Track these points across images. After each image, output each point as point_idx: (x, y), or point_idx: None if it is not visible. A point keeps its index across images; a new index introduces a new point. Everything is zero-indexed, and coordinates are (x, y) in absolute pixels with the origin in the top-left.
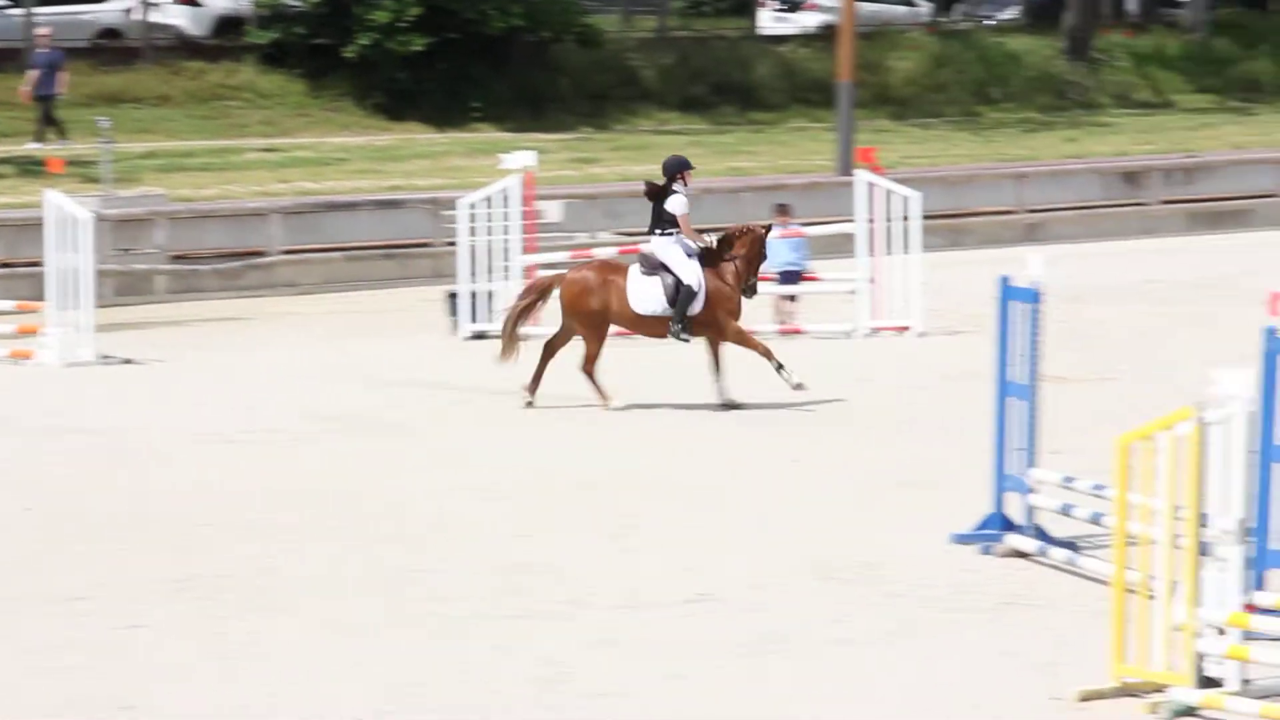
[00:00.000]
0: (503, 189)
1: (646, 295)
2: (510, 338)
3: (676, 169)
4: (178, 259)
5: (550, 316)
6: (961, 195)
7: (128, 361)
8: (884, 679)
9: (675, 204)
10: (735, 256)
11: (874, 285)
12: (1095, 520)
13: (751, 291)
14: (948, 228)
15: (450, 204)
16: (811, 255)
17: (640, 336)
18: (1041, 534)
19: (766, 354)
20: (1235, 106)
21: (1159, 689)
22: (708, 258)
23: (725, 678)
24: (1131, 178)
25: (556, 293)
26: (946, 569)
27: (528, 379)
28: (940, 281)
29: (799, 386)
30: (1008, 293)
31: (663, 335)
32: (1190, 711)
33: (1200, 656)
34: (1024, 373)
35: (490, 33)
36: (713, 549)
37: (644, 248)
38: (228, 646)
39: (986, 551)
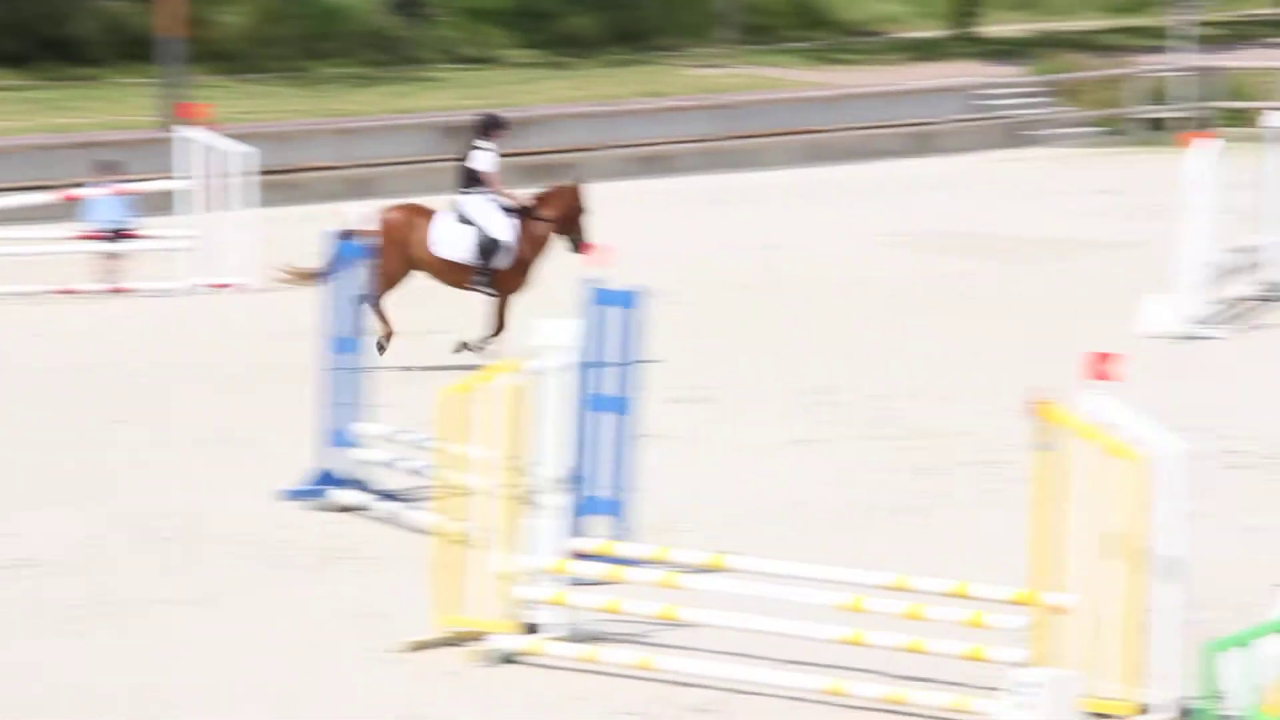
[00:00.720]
0: None
1: (452, 240)
2: (303, 275)
3: (488, 127)
4: None
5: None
6: (293, 150)
7: None
8: (211, 637)
9: (483, 161)
10: (546, 218)
11: (205, 242)
12: (422, 472)
13: (578, 249)
14: (280, 183)
15: None
16: (139, 212)
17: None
18: (369, 488)
19: (497, 328)
20: (557, 61)
21: (484, 637)
22: (520, 217)
23: (48, 643)
24: (460, 133)
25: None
26: (273, 525)
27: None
28: (272, 237)
29: (480, 349)
30: (339, 249)
31: (460, 284)
32: (513, 658)
33: (523, 604)
34: (349, 327)
35: None
36: (29, 510)
37: (455, 203)
38: None
39: (314, 507)
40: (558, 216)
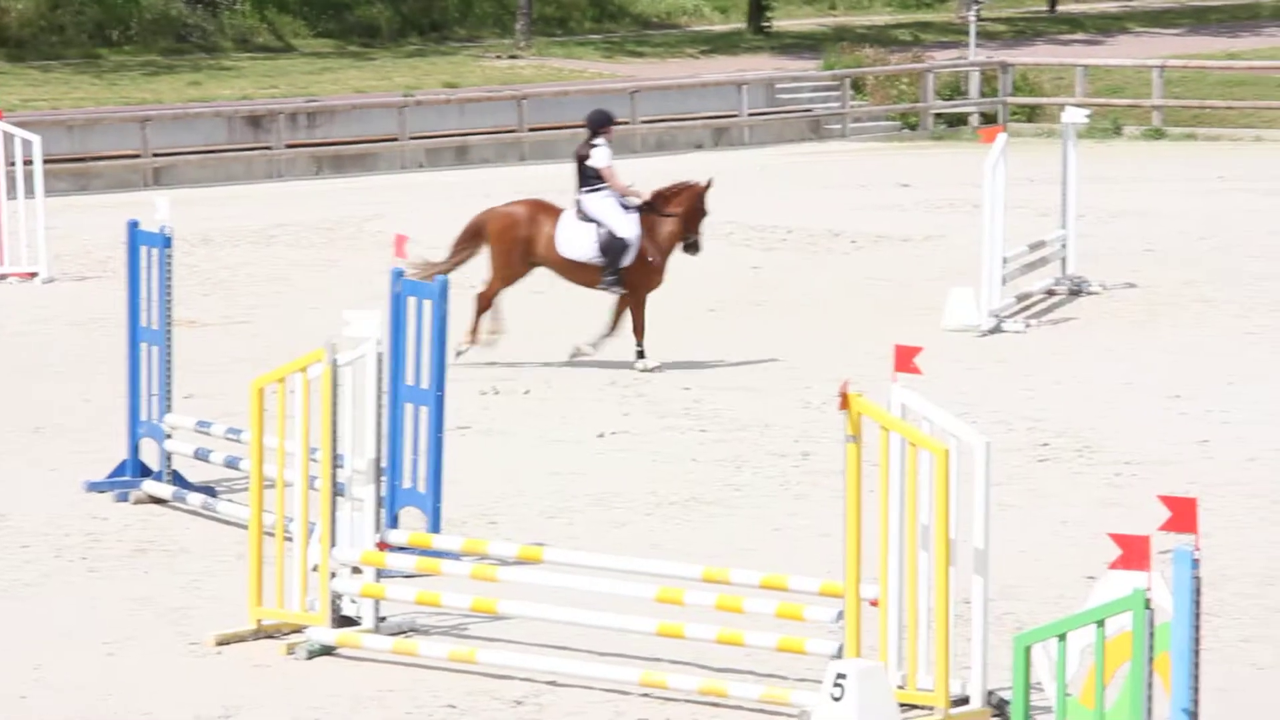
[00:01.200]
0: None
1: (577, 241)
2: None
3: (601, 123)
4: None
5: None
6: (86, 139)
7: None
8: (20, 631)
9: (600, 158)
10: (671, 214)
11: (3, 230)
12: (232, 464)
13: (695, 249)
14: (72, 172)
15: None
16: None
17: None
18: (178, 479)
19: (639, 334)
20: (354, 51)
21: (297, 629)
22: (643, 213)
23: None
24: (256, 121)
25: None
26: (80, 517)
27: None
28: (67, 226)
29: (655, 369)
30: (137, 237)
31: (590, 284)
32: (328, 650)
33: (337, 596)
34: (156, 318)
35: None
36: None
37: (578, 201)
38: None
39: (122, 499)
40: (682, 214)
